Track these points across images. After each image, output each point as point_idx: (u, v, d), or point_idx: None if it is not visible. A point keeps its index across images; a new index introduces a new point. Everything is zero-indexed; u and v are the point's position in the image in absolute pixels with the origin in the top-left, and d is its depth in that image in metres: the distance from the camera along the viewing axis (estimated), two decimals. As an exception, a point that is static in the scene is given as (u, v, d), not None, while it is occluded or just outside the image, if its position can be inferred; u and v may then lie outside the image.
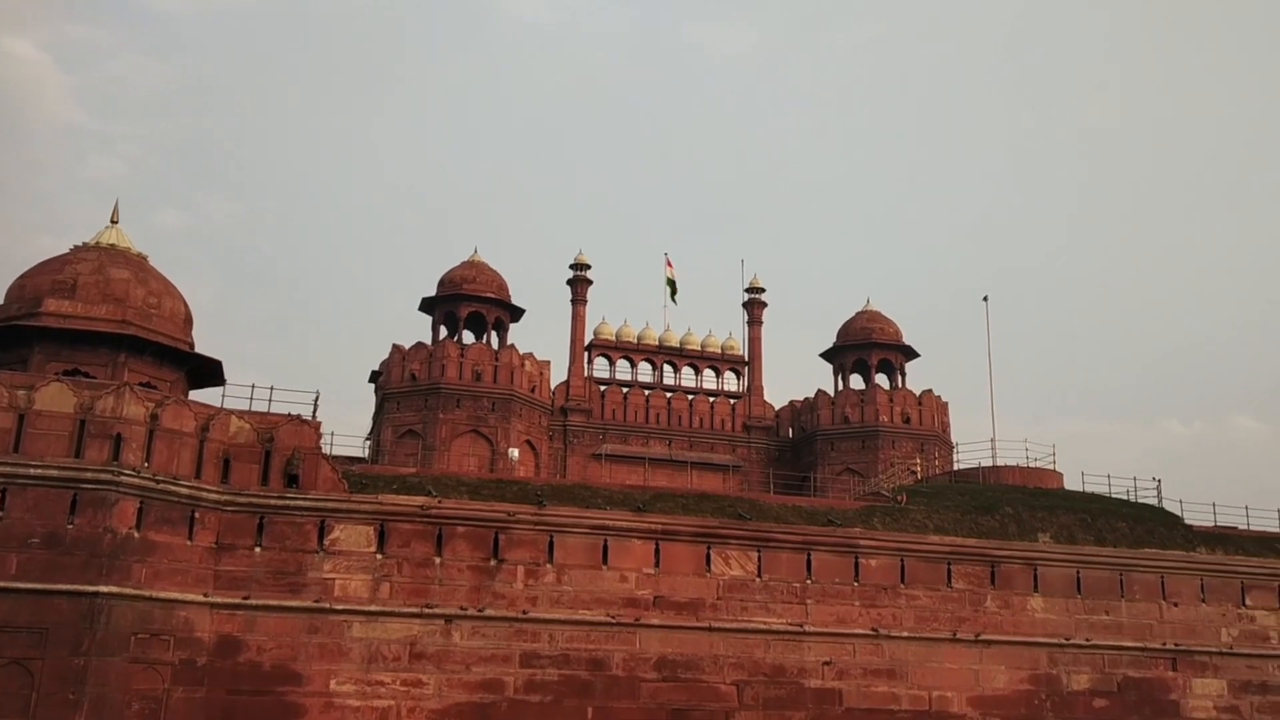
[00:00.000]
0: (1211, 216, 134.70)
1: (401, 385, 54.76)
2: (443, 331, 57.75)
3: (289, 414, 32.19)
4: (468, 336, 57.91)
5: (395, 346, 56.01)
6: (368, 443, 55.71)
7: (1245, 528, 41.25)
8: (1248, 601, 37.84)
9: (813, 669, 33.14)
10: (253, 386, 33.31)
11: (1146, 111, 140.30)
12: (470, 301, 57.18)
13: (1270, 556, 38.87)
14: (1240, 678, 36.84)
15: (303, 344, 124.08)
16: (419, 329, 66.10)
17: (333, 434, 39.67)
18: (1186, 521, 40.14)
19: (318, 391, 33.33)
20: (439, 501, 31.87)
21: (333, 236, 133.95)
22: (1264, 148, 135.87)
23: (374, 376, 60.14)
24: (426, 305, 58.20)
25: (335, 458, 35.28)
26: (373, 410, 59.68)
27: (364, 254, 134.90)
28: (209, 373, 36.28)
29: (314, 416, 32.73)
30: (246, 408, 32.36)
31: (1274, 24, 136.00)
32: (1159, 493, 41.24)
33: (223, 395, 34.00)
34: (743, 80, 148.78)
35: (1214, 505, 41.01)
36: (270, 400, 32.99)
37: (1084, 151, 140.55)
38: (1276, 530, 41.15)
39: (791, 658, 33.10)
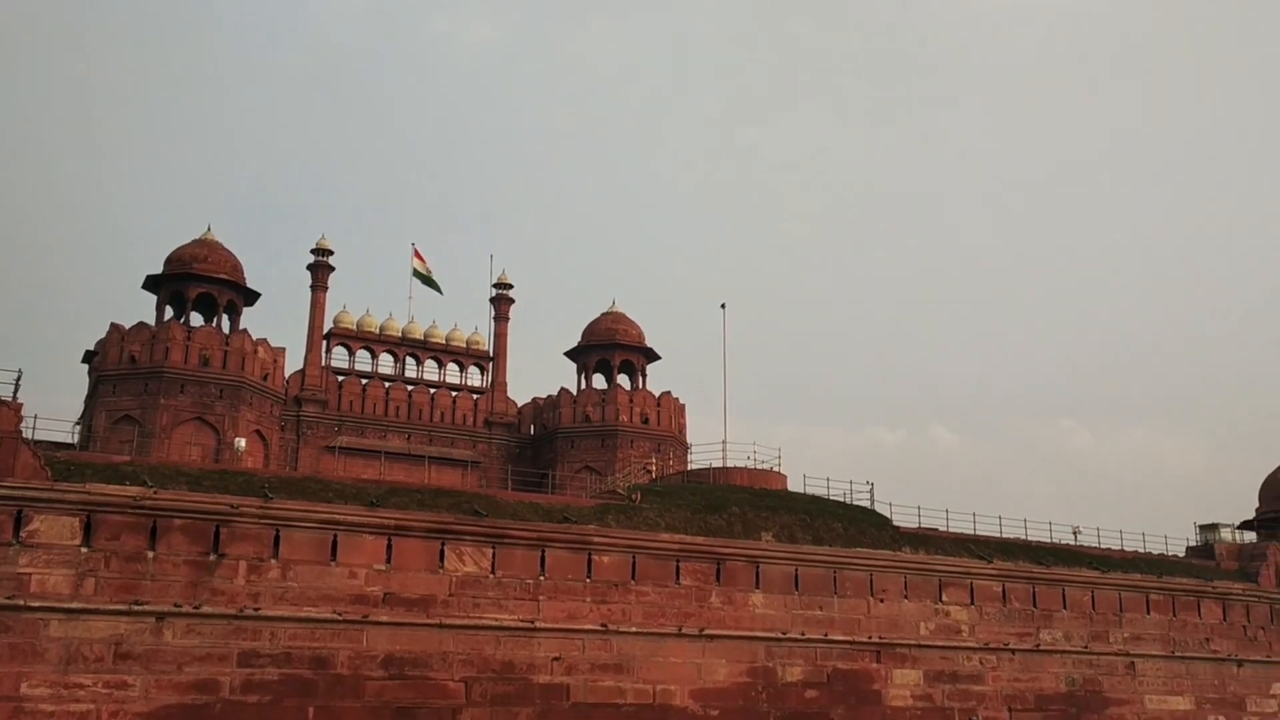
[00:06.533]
0: (917, 242, 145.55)
1: (119, 368, 51.20)
2: (168, 312, 54.42)
3: (-15, 394, 29.47)
4: (196, 319, 54.83)
5: (114, 326, 52.30)
6: (78, 428, 51.69)
7: (945, 529, 44.66)
8: (944, 598, 40.98)
9: (542, 665, 33.36)
10: (-58, 363, 30.26)
11: (877, 132, 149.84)
12: (200, 282, 54.16)
13: (964, 556, 42.27)
14: (934, 668, 39.85)
15: (4, 319, 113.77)
16: (142, 309, 62.19)
17: (36, 417, 36.66)
18: (895, 523, 43.02)
19: (19, 370, 30.92)
20: (155, 492, 29.96)
21: (42, 203, 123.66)
22: (967, 168, 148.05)
23: (88, 357, 55.86)
24: (151, 284, 54.66)
25: (38, 443, 32.66)
26: (85, 394, 55.42)
27: (80, 225, 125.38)
28: (-110, 345, 32.66)
29: (14, 397, 30.24)
30: (-66, 385, 29.39)
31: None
32: (871, 496, 44.03)
33: (-94, 371, 30.76)
34: (489, 73, 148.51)
35: (919, 508, 44.21)
36: (-37, 378, 30.09)
37: (820, 167, 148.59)
38: (971, 532, 44.79)
39: (521, 654, 33.19)
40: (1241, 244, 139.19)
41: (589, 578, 34.96)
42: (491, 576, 33.57)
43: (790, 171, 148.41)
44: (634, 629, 34.99)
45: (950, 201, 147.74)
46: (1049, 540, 46.55)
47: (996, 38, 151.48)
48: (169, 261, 54.75)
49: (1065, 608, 43.38)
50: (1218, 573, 48.84)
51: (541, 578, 34.24)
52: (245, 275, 55.88)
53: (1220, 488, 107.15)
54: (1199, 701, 45.20)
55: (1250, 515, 56.41)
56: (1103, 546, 47.93)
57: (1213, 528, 53.25)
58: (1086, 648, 43.17)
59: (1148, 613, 45.32)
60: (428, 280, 63.34)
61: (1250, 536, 54.28)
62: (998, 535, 45.16)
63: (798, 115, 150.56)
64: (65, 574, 28.50)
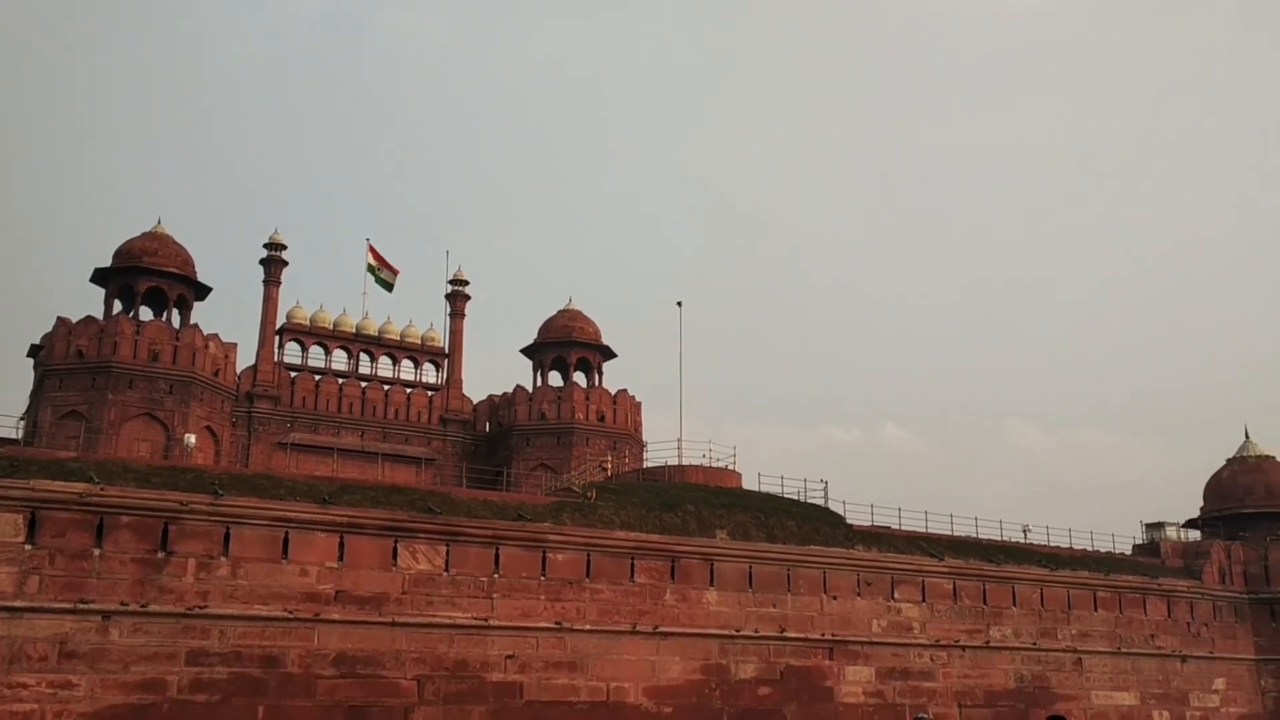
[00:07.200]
0: (872, 243, 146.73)
1: (66, 362, 50.30)
2: (117, 306, 53.54)
3: (-75, 388, 28.83)
4: (146, 313, 53.99)
5: (60, 319, 51.40)
6: (22, 423, 50.70)
7: (898, 527, 45.00)
8: (896, 595, 41.33)
9: (496, 663, 33.24)
10: (-119, 355, 29.55)
11: (833, 132, 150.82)
12: (150, 275, 53.30)
13: (917, 554, 42.64)
14: (886, 665, 40.18)
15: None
16: (90, 302, 61.17)
17: (-22, 412, 35.90)
18: (849, 521, 43.27)
19: (-39, 364, 30.06)
20: (101, 489, 29.49)
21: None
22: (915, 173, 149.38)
23: (34, 351, 54.85)
24: (100, 277, 53.74)
25: (-19, 438, 31.94)
26: (30, 388, 54.41)
27: (27, 216, 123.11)
28: None
29: (-44, 392, 29.45)
30: (-128, 379, 28.68)
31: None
32: (825, 494, 44.23)
33: None
34: (445, 68, 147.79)
35: (872, 506, 44.50)
36: (-98, 371, 29.41)
37: (776, 167, 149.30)
38: (923, 530, 45.19)
39: (475, 652, 33.05)
40: (1190, 248, 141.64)
41: (544, 575, 34.88)
42: (445, 574, 33.40)
43: (746, 171, 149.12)
44: (588, 627, 34.96)
45: (904, 203, 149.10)
46: (1000, 538, 47.09)
47: (953, 36, 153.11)
48: (118, 255, 53.88)
49: (1015, 605, 43.93)
50: (1163, 570, 49.68)
51: (496, 575, 34.12)
52: (196, 269, 55.14)
53: (1166, 487, 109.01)
54: (1144, 697, 45.99)
55: (1195, 514, 57.44)
56: (1052, 544, 48.56)
57: (1159, 526, 54.15)
58: (1035, 644, 43.74)
59: (1095, 610, 46.02)
60: (381, 279, 62.80)
61: (1195, 535, 55.28)
62: (949, 533, 45.61)
63: (755, 115, 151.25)
64: (8, 571, 27.96)
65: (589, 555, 35.80)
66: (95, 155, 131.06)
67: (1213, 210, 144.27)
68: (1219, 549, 51.10)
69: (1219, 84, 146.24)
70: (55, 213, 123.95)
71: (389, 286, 63.05)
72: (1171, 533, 54.02)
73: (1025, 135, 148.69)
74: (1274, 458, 56.92)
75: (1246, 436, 58.06)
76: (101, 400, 49.48)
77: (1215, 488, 57.46)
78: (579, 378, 63.70)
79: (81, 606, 28.39)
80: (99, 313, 52.58)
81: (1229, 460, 57.89)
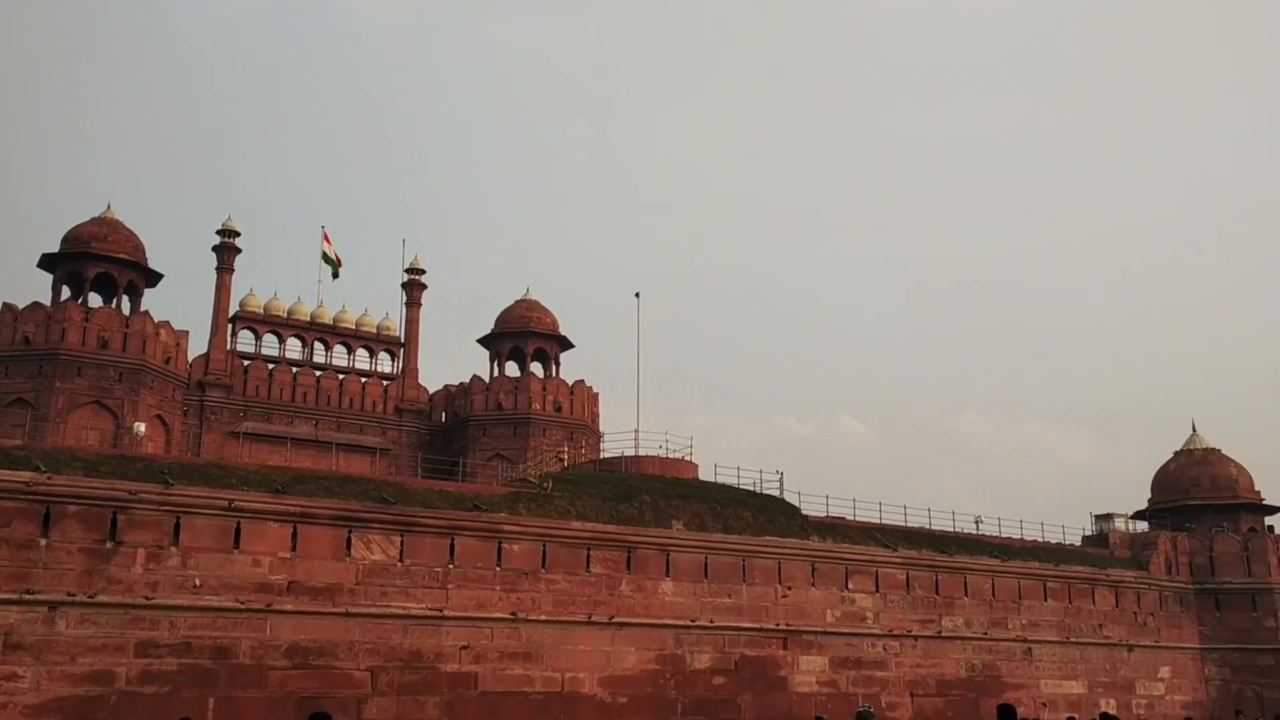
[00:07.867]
0: (829, 236, 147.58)
1: (12, 349, 49.48)
2: (65, 292, 52.69)
3: None
4: (95, 300, 53.20)
5: (6, 305, 50.54)
6: (-34, 411, 49.76)
7: (852, 518, 45.26)
8: (850, 585, 41.61)
9: (450, 653, 33.09)
10: None
11: (794, 123, 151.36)
12: (99, 261, 52.51)
13: (871, 544, 42.94)
14: (840, 654, 40.48)
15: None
16: (37, 289, 60.10)
17: (-79, 399, 35.19)
18: (804, 512, 43.46)
19: (-97, 350, 29.39)
20: (48, 477, 28.98)
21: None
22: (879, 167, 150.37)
23: (-22, 338, 53.87)
24: (47, 262, 52.86)
25: (-77, 426, 31.28)
26: (-25, 375, 53.37)
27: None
28: None
29: (-102, 378, 28.85)
30: None
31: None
32: (781, 485, 44.40)
33: None
34: (402, 55, 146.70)
35: (827, 497, 44.68)
36: None
37: (736, 159, 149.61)
38: (877, 521, 45.48)
39: (429, 643, 32.87)
40: (1139, 246, 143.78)
41: (499, 566, 34.76)
42: (399, 565, 33.18)
43: (706, 163, 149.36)
44: (544, 617, 34.89)
45: (861, 199, 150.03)
46: (952, 529, 47.49)
47: (908, 31, 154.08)
48: (66, 240, 53.02)
49: (967, 595, 44.38)
50: (1111, 561, 50.42)
51: (451, 566, 33.95)
52: (147, 256, 54.37)
53: (1115, 480, 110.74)
54: (1091, 685, 46.67)
55: (1143, 506, 58.34)
56: (1003, 535, 49.05)
57: (1107, 517, 54.92)
58: (986, 634, 44.24)
59: (1045, 600, 46.62)
60: (331, 263, 62.21)
61: (1142, 526, 56.13)
62: (903, 524, 45.86)
63: (715, 109, 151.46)
64: (-49, 562, 27.43)
65: (545, 546, 35.71)
66: (44, 138, 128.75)
67: (1161, 208, 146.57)
68: (1166, 540, 51.93)
69: (1175, 83, 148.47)
70: (1, 196, 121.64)
71: (335, 274, 62.53)
72: (1120, 524, 54.83)
73: (983, 131, 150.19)
74: (1220, 451, 57.93)
75: (1193, 430, 59.02)
76: (49, 388, 48.73)
77: (1163, 480, 58.38)
78: (536, 368, 63.57)
79: (27, 597, 27.91)
80: (46, 299, 51.74)
81: (1176, 453, 58.82)
